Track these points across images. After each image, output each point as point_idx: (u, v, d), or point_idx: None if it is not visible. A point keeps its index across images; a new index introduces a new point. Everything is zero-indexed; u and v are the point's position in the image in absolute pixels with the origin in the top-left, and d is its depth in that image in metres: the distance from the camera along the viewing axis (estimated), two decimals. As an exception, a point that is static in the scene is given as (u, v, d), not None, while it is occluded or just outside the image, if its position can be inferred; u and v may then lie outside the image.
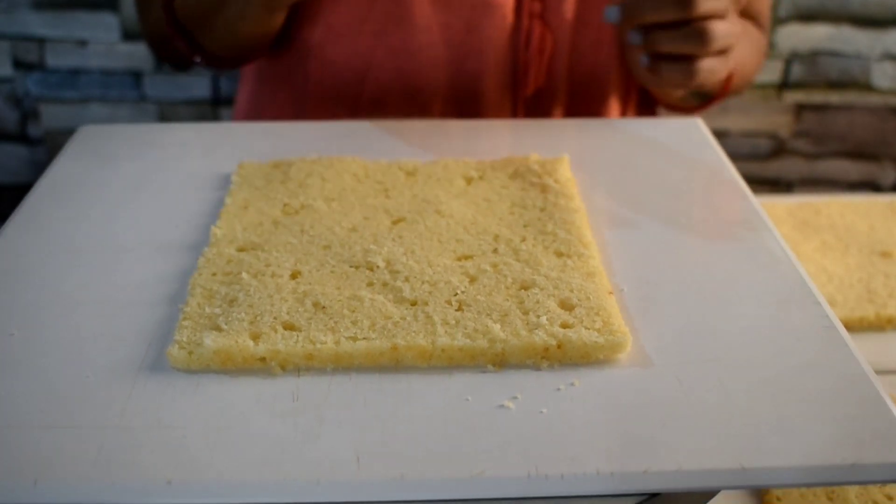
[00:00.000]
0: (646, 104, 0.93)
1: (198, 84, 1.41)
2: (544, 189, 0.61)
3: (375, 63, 0.83)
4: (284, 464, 0.40)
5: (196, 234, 0.59)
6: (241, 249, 0.55)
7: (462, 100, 0.84)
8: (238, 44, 0.82)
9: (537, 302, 0.50)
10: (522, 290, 0.51)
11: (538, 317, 0.48)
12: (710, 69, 0.71)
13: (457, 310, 0.49)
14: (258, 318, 0.48)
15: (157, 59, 0.92)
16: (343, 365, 0.47)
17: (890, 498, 0.59)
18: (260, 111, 0.91)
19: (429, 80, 0.83)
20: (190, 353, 0.46)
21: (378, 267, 0.53)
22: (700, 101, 0.87)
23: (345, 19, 0.82)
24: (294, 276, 0.53)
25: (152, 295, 0.52)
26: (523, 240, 0.56)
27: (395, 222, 0.58)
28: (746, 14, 0.90)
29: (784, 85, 1.42)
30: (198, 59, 0.82)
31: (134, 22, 1.36)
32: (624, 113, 0.90)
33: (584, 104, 0.86)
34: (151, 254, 0.57)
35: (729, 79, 0.82)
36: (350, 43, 0.83)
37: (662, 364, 0.47)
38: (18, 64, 1.39)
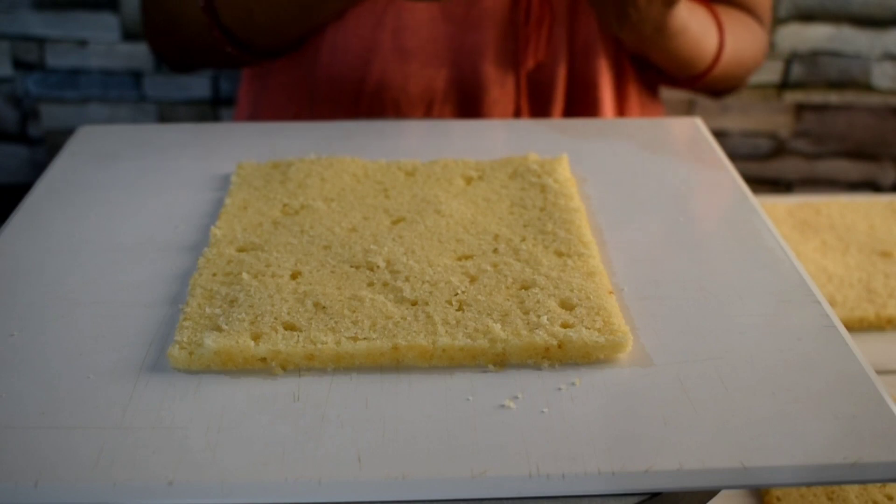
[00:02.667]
0: (645, 81, 0.93)
1: (198, 84, 1.41)
2: (544, 189, 0.61)
3: (378, 43, 0.83)
4: (286, 464, 0.40)
5: (196, 234, 0.59)
6: (241, 250, 0.55)
7: (464, 76, 0.84)
8: (288, 35, 0.83)
9: (538, 302, 0.50)
10: (523, 290, 0.51)
11: (539, 316, 0.48)
12: (644, 16, 0.73)
13: (457, 310, 0.49)
14: (259, 318, 0.48)
15: (167, 62, 0.91)
16: (344, 365, 0.47)
17: (890, 498, 0.59)
18: (263, 100, 0.91)
19: (430, 58, 0.83)
20: (191, 353, 0.46)
21: (378, 267, 0.53)
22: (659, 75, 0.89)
23: None
24: (294, 276, 0.53)
25: (152, 295, 0.52)
26: (523, 239, 0.56)
27: (394, 222, 0.58)
28: (742, 6, 0.90)
29: (784, 85, 1.42)
30: (230, 49, 0.83)
31: (134, 22, 1.36)
32: (620, 85, 0.90)
33: (583, 75, 0.87)
34: (151, 254, 0.57)
35: (716, 59, 0.84)
36: (352, 24, 0.84)
37: (662, 364, 0.47)
38: (18, 64, 1.39)
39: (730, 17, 0.88)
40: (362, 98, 0.85)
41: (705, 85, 0.89)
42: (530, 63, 0.84)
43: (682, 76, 0.87)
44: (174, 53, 0.89)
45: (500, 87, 0.85)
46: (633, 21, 0.75)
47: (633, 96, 0.91)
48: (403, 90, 0.84)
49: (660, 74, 0.90)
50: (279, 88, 0.90)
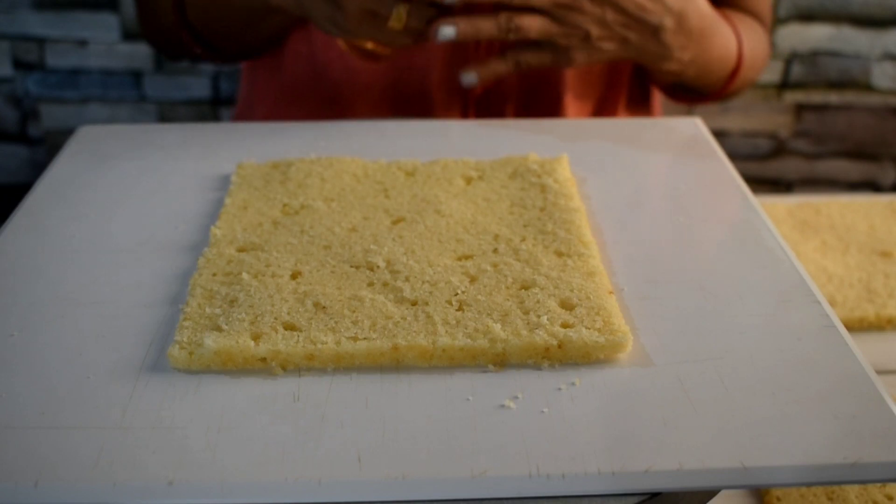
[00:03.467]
0: (640, 100, 0.92)
1: (198, 84, 1.41)
2: (544, 189, 0.61)
3: (329, 59, 0.83)
4: (286, 464, 0.40)
5: (196, 234, 0.59)
6: (241, 250, 0.55)
7: (410, 98, 0.83)
8: (244, 43, 0.84)
9: (538, 301, 0.50)
10: (523, 290, 0.51)
11: (539, 316, 0.48)
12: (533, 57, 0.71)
13: (457, 310, 0.49)
14: (259, 318, 0.48)
15: (157, 51, 0.93)
16: (344, 365, 0.47)
17: (890, 498, 0.59)
18: (252, 109, 0.92)
19: (376, 78, 0.83)
20: (191, 353, 0.46)
21: (378, 267, 0.53)
22: (691, 94, 0.87)
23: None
24: (294, 276, 0.53)
25: (152, 295, 0.52)
26: (523, 239, 0.56)
27: (394, 222, 0.58)
28: (743, 9, 0.90)
29: (784, 85, 1.42)
30: (198, 51, 0.85)
31: (134, 22, 1.36)
32: (597, 112, 0.89)
33: (541, 105, 0.85)
34: (151, 254, 0.57)
35: (728, 83, 0.83)
36: (304, 39, 0.84)
37: (662, 364, 0.47)
38: (18, 64, 1.39)
39: (737, 18, 0.87)
40: (315, 113, 0.85)
41: (734, 88, 0.86)
42: (478, 90, 0.83)
43: (715, 83, 0.85)
44: (163, 45, 0.91)
45: (446, 112, 0.84)
46: (676, 46, 0.74)
47: (621, 111, 0.90)
48: (351, 108, 0.84)
49: (686, 92, 0.88)
50: (262, 89, 0.91)
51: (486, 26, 0.68)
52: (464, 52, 0.82)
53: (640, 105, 0.92)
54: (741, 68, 0.84)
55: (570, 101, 0.85)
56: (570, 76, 0.85)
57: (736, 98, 0.94)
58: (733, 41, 0.82)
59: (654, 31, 0.72)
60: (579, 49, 0.72)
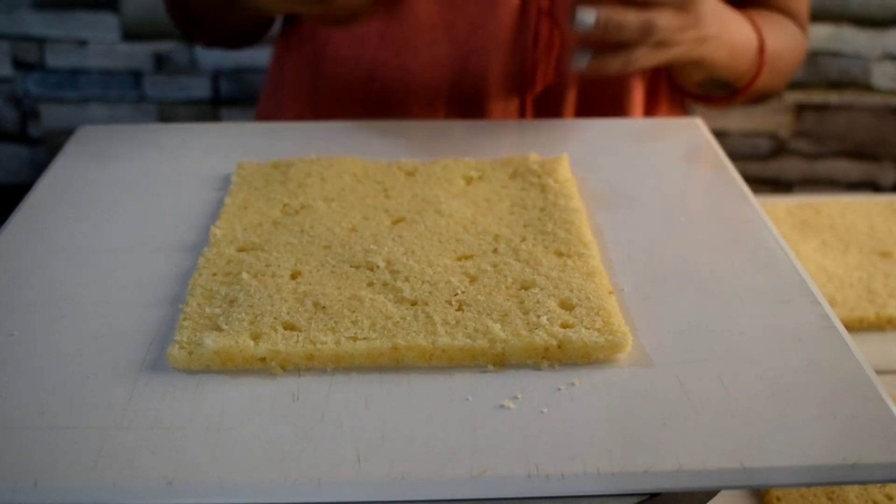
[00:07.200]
0: (676, 100, 0.91)
1: (198, 84, 1.41)
2: (544, 189, 0.61)
3: (380, 61, 0.83)
4: (285, 464, 0.40)
5: (196, 234, 0.59)
6: (241, 250, 0.55)
7: (467, 98, 0.83)
8: (228, 33, 0.89)
9: (537, 302, 0.50)
10: (522, 290, 0.51)
11: (538, 317, 0.48)
12: (643, 56, 0.69)
13: (457, 310, 0.49)
14: (258, 318, 0.48)
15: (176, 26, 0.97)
16: (343, 365, 0.47)
17: (890, 498, 0.59)
18: (279, 109, 0.92)
19: (432, 79, 0.83)
20: (190, 353, 0.46)
21: (378, 267, 0.53)
22: (725, 91, 0.86)
23: None
24: (294, 276, 0.53)
25: (152, 295, 0.52)
26: (523, 240, 0.56)
27: (394, 222, 0.58)
28: (783, 12, 0.89)
29: (784, 85, 1.42)
30: (187, 30, 0.89)
31: (134, 22, 1.36)
32: (648, 111, 0.88)
33: (599, 102, 0.85)
34: (151, 254, 0.57)
35: (758, 71, 0.82)
36: (355, 40, 0.84)
37: (662, 364, 0.47)
38: (18, 64, 1.39)
39: (760, 15, 0.86)
40: (365, 115, 0.85)
41: (763, 83, 0.85)
42: (538, 88, 0.83)
43: (743, 74, 0.82)
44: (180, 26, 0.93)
45: (504, 110, 0.84)
46: (705, 39, 0.72)
47: (664, 114, 0.89)
48: (405, 109, 0.84)
49: (707, 97, 0.87)
50: (291, 98, 0.90)
51: (629, 20, 0.65)
52: (522, 53, 0.82)
53: (678, 104, 0.92)
54: (765, 61, 0.82)
55: (632, 100, 0.86)
56: (629, 79, 0.85)
57: (770, 97, 0.92)
58: (752, 34, 0.81)
59: (701, 40, 0.72)
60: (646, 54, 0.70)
